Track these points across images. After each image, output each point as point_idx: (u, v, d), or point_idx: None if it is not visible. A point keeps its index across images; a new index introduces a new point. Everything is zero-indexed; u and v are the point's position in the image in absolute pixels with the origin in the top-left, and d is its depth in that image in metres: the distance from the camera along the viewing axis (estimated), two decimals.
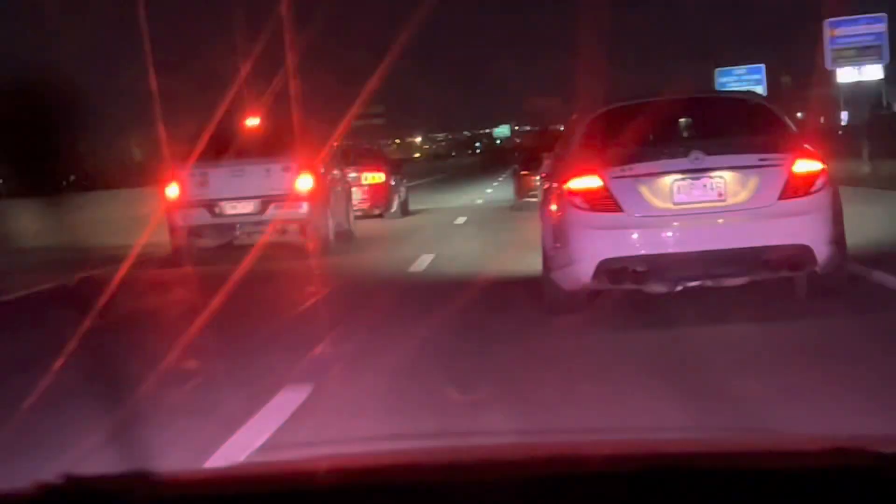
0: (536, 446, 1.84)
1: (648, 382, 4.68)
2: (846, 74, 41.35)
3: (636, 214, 6.31)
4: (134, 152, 51.31)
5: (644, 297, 6.46)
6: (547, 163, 7.89)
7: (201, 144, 12.43)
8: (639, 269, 6.27)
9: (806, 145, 6.67)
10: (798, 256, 6.21)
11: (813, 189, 6.32)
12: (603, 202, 6.33)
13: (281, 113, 13.49)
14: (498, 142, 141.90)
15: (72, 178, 52.53)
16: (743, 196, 6.29)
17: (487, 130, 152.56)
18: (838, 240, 6.43)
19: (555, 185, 6.88)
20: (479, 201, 24.03)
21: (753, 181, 6.30)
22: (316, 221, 12.00)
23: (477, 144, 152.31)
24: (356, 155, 19.00)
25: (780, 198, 6.27)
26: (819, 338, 5.63)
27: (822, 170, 6.42)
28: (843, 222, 6.51)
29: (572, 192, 6.42)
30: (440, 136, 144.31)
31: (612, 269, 6.28)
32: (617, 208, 6.31)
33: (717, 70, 57.61)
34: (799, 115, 37.00)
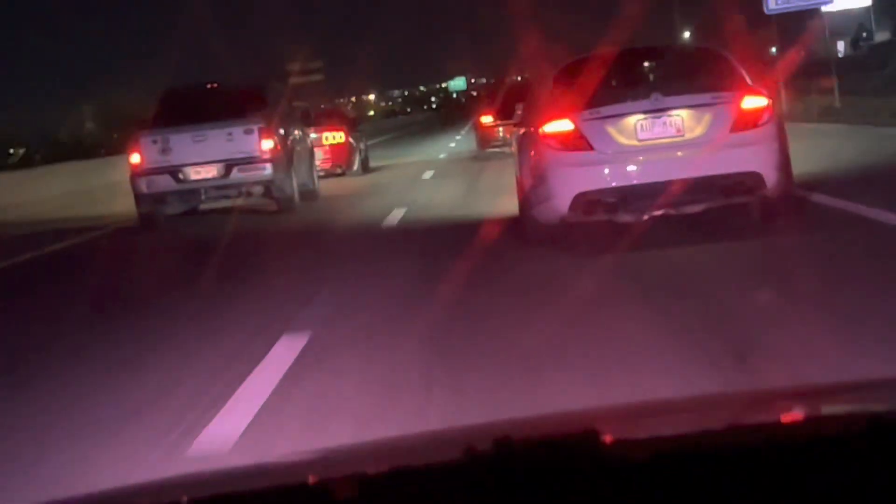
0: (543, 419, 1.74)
1: (624, 298, 5.45)
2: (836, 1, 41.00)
3: (606, 151, 7.01)
4: (86, 123, 50.61)
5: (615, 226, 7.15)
6: (519, 112, 8.51)
7: (161, 111, 12.67)
8: (610, 200, 7.02)
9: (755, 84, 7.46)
10: (749, 182, 6.96)
11: (760, 122, 7.05)
12: (575, 142, 7.06)
13: (239, 75, 13.70)
14: (454, 95, 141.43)
15: (20, 151, 52.13)
16: (699, 131, 7.02)
17: (444, 85, 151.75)
18: (785, 166, 7.15)
19: (530, 130, 7.63)
20: (443, 156, 23.00)
21: (707, 117, 7.03)
22: (280, 182, 12.22)
23: (433, 99, 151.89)
24: (317, 116, 19.72)
25: (732, 131, 6.99)
26: (765, 252, 6.52)
27: (768, 105, 7.18)
28: (789, 151, 7.22)
29: (547, 136, 7.16)
30: (396, 92, 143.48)
31: (586, 202, 7.02)
32: (588, 147, 7.03)
33: None
34: (773, 49, 36.92)
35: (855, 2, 35.92)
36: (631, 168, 7.05)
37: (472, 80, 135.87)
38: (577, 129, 7.06)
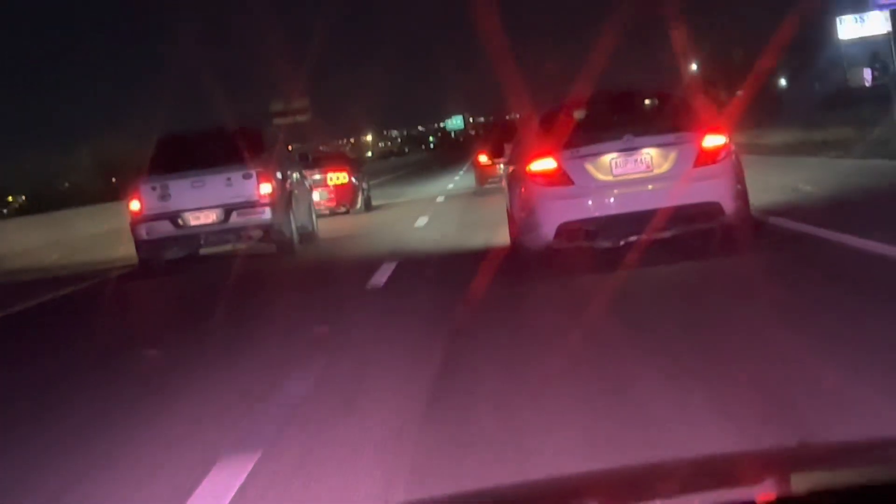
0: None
1: (600, 311, 6.28)
2: (849, 29, 40.22)
3: (585, 186, 8.06)
4: (73, 173, 50.49)
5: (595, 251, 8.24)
6: (508, 151, 9.44)
7: (159, 157, 12.84)
8: (590, 228, 8.09)
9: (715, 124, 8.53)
10: (710, 210, 8.01)
11: (719, 158, 8.13)
12: (558, 178, 8.10)
13: (237, 120, 13.91)
14: (452, 135, 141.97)
15: (21, 198, 52.37)
16: (666, 167, 8.08)
17: (442, 124, 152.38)
18: (741, 195, 8.23)
19: (518, 167, 8.67)
20: (441, 199, 21.89)
21: (673, 154, 8.10)
22: (279, 226, 12.37)
23: (431, 139, 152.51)
24: (322, 158, 21.49)
25: (695, 166, 8.05)
26: (726, 271, 7.51)
27: (726, 143, 8.23)
28: (745, 181, 8.32)
29: (533, 173, 8.22)
30: (395, 132, 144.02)
31: (568, 230, 8.09)
32: (569, 182, 8.08)
33: None
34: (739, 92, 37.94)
35: (874, 29, 34.68)
36: (607, 200, 8.07)
37: (471, 119, 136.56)
38: (559, 167, 8.10)
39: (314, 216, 14.74)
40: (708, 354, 4.83)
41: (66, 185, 50.85)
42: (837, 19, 53.44)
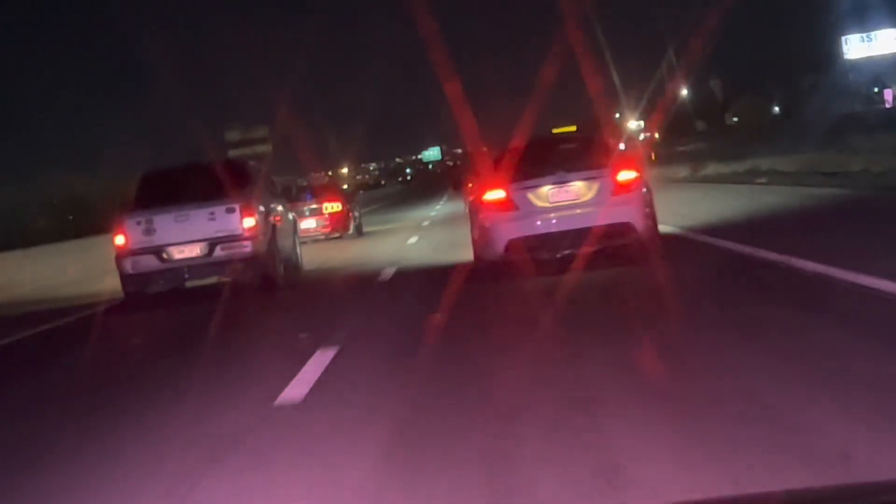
0: None
1: (542, 302, 8.51)
2: (855, 48, 39.87)
3: (528, 210, 10.46)
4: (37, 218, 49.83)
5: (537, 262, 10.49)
6: (469, 184, 12.20)
7: (143, 191, 13.09)
8: (532, 244, 10.46)
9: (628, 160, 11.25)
10: (625, 230, 10.37)
11: (632, 188, 10.49)
12: (507, 205, 10.52)
13: (218, 155, 14.16)
14: (430, 166, 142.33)
15: None
16: (590, 195, 10.47)
17: (419, 156, 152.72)
18: (650, 218, 10.62)
19: (477, 197, 11.10)
20: (413, 240, 20.03)
21: (596, 185, 10.48)
22: (263, 259, 12.61)
23: (408, 170, 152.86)
24: (318, 188, 25.24)
25: (612, 195, 10.41)
26: (636, 278, 9.54)
27: (638, 176, 10.62)
28: (654, 206, 10.74)
29: (488, 202, 10.65)
30: (372, 165, 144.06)
31: (515, 245, 10.45)
32: (515, 208, 10.50)
33: None
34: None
35: (885, 47, 33.73)
36: (545, 221, 10.44)
37: (452, 150, 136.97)
38: (507, 196, 10.52)
39: (298, 248, 15.01)
40: (613, 326, 6.94)
41: (40, 222, 50.59)
42: (843, 38, 53.13)
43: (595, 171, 10.55)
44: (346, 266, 15.67)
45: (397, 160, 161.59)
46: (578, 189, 10.46)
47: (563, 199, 10.48)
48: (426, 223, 26.65)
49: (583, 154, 11.08)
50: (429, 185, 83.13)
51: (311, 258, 16.84)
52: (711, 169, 31.18)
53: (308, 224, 23.11)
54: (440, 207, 37.00)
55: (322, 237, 23.33)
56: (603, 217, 10.31)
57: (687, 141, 56.14)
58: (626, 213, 10.36)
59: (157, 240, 12.50)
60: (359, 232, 24.98)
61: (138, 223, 12.54)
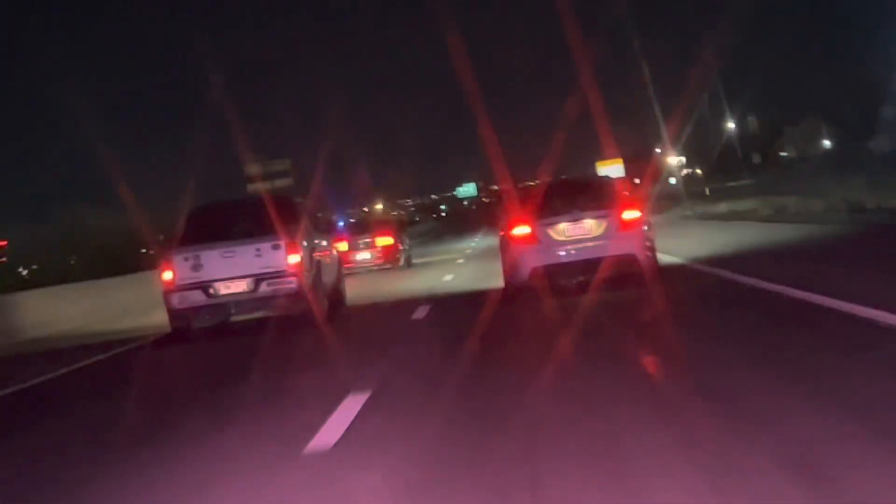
0: None
1: (562, 318, 10.19)
2: None
3: (548, 243, 12.61)
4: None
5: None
6: (500, 220, 14.22)
7: (190, 228, 13.42)
8: (552, 271, 12.64)
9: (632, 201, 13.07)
10: (629, 260, 12.41)
11: (635, 225, 12.58)
12: (531, 238, 12.65)
13: (264, 192, 14.45)
14: (465, 202, 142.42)
15: (33, 267, 52.85)
16: (600, 231, 12.58)
17: (454, 193, 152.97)
18: (651, 250, 12.76)
19: (507, 232, 13.16)
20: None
21: (605, 223, 12.60)
22: (308, 294, 12.86)
23: (442, 207, 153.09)
24: (372, 223, 28.68)
25: (618, 230, 12.50)
26: (638, 299, 11.20)
27: (640, 216, 12.70)
28: (654, 240, 13.00)
29: (515, 236, 12.78)
30: (408, 201, 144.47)
31: (538, 272, 12.56)
32: (538, 241, 12.63)
33: None
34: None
35: None
36: (563, 252, 12.57)
37: (489, 187, 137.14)
38: (532, 231, 12.66)
39: (343, 283, 15.26)
40: (616, 332, 8.89)
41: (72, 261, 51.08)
42: None
43: (604, 210, 12.70)
44: (390, 296, 16.75)
45: (433, 196, 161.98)
46: (590, 226, 12.67)
47: (578, 234, 12.65)
48: (469, 250, 30.89)
49: (594, 196, 13.19)
50: (463, 223, 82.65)
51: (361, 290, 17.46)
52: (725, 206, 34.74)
53: (363, 256, 26.31)
54: (476, 243, 39.62)
55: (375, 268, 26.14)
56: (610, 249, 12.46)
57: (736, 177, 55.28)
58: (630, 246, 12.47)
59: (203, 275, 12.79)
60: (408, 264, 27.21)
61: (186, 259, 12.84)
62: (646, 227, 12.84)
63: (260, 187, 37.45)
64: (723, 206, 34.92)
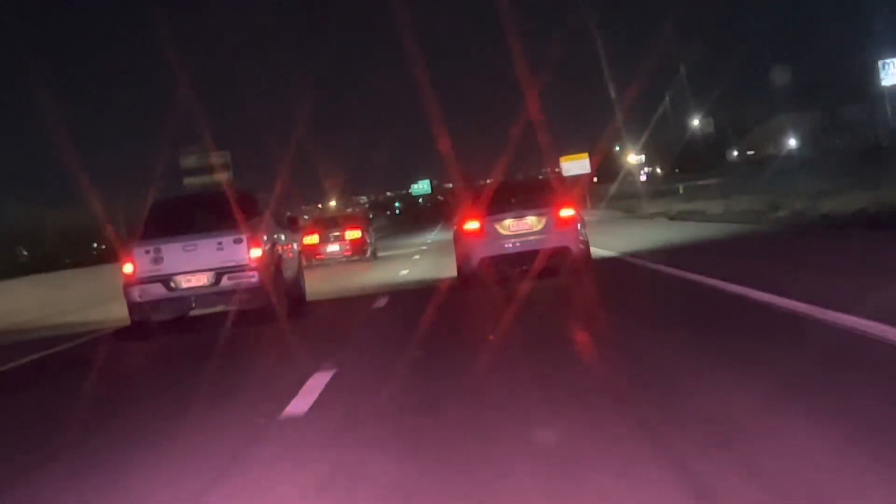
0: None
1: (506, 301, 11.55)
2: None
3: (494, 236, 14.48)
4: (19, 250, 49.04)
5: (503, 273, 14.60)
6: (453, 217, 16.47)
7: (152, 221, 13.42)
8: (498, 262, 14.46)
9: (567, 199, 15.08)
10: (564, 252, 14.32)
11: (570, 222, 14.49)
12: (480, 232, 14.53)
13: (226, 185, 14.46)
14: (419, 200, 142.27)
15: None
16: (539, 227, 14.50)
17: (409, 190, 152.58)
18: (583, 244, 14.59)
19: (459, 226, 15.07)
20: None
21: (544, 219, 14.51)
22: (268, 289, 12.92)
23: (397, 205, 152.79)
24: (342, 219, 31.40)
25: (555, 227, 14.42)
26: (571, 284, 13.44)
27: (574, 214, 14.58)
28: (587, 235, 14.87)
29: (467, 230, 14.68)
30: (363, 198, 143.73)
31: (485, 262, 14.43)
32: (486, 235, 14.50)
33: None
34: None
35: None
36: (508, 245, 14.48)
37: (444, 186, 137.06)
38: (481, 226, 14.56)
39: (303, 279, 15.33)
40: (550, 313, 10.57)
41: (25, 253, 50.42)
42: (880, 63, 51.73)
43: (543, 209, 14.62)
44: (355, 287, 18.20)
45: (388, 193, 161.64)
46: (532, 222, 14.62)
47: (521, 229, 14.58)
48: (425, 247, 33.99)
49: (535, 196, 15.21)
50: (417, 220, 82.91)
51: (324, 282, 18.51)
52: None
53: (333, 248, 29.63)
54: (433, 236, 43.41)
55: (344, 259, 29.43)
56: (548, 243, 14.38)
57: (698, 175, 55.14)
58: (565, 240, 14.43)
59: (164, 268, 12.80)
60: (374, 256, 30.51)
61: (147, 252, 12.85)
62: (579, 224, 14.68)
63: (196, 181, 35.54)
64: (676, 206, 36.48)
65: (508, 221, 14.51)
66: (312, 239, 29.70)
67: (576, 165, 74.40)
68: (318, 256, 29.46)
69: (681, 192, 45.93)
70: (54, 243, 42.35)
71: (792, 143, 67.00)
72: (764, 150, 68.73)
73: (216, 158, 38.27)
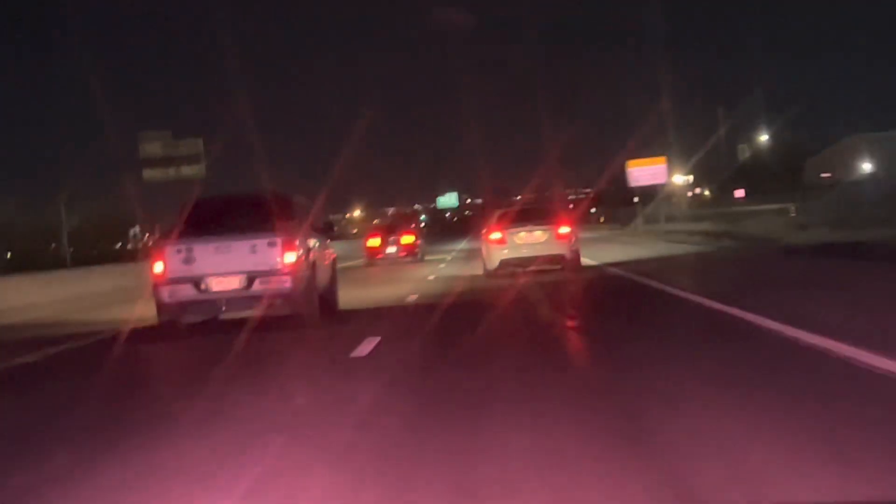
0: None
1: (515, 289, 17.24)
2: None
3: (511, 244, 20.63)
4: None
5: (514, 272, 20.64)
6: (482, 229, 22.83)
7: (187, 220, 13.17)
8: (513, 263, 20.56)
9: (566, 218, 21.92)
10: (559, 258, 20.55)
11: (566, 236, 20.66)
12: (501, 241, 20.73)
13: (264, 187, 14.21)
14: (446, 214, 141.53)
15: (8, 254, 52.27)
16: (544, 238, 20.56)
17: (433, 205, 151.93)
18: (575, 252, 20.77)
19: (485, 236, 21.55)
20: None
21: (548, 234, 20.62)
22: (301, 295, 12.64)
23: (422, 218, 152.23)
24: (400, 225, 40.99)
25: (555, 238, 20.54)
26: (567, 280, 18.64)
27: (571, 230, 20.79)
28: (579, 247, 21.34)
29: (491, 239, 20.99)
30: (391, 209, 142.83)
31: (505, 263, 20.65)
32: (505, 243, 20.69)
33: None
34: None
35: None
36: (520, 251, 20.46)
37: (468, 200, 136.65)
38: (503, 236, 20.69)
39: (336, 286, 15.03)
40: (544, 296, 15.39)
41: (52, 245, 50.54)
42: None
43: (547, 226, 20.79)
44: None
45: (416, 206, 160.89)
46: (538, 235, 20.73)
47: (531, 240, 20.74)
48: (455, 253, 42.61)
49: (542, 215, 21.53)
50: (442, 237, 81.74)
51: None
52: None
53: (391, 250, 36.82)
54: (463, 245, 52.94)
55: (399, 259, 36.20)
56: (549, 250, 20.52)
57: (764, 198, 49.62)
58: (561, 249, 20.65)
59: (195, 269, 12.57)
60: (423, 258, 37.07)
61: (178, 251, 12.61)
62: (573, 238, 20.94)
63: (158, 175, 31.80)
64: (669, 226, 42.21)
65: (522, 234, 20.77)
66: (375, 241, 37.65)
67: (647, 172, 63.37)
68: (378, 256, 36.67)
69: (792, 213, 40.42)
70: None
71: (867, 166, 60.35)
72: (838, 173, 60.32)
73: (185, 148, 32.69)
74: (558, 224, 20.64)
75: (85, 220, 49.67)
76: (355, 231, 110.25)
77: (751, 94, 59.00)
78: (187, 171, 31.48)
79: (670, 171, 63.84)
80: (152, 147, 31.02)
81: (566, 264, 20.42)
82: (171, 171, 30.82)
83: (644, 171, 63.69)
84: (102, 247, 50.24)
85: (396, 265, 33.60)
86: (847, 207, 27.66)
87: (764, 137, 66.49)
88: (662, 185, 64.31)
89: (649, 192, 63.41)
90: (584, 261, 21.81)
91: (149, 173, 31.38)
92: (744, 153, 72.41)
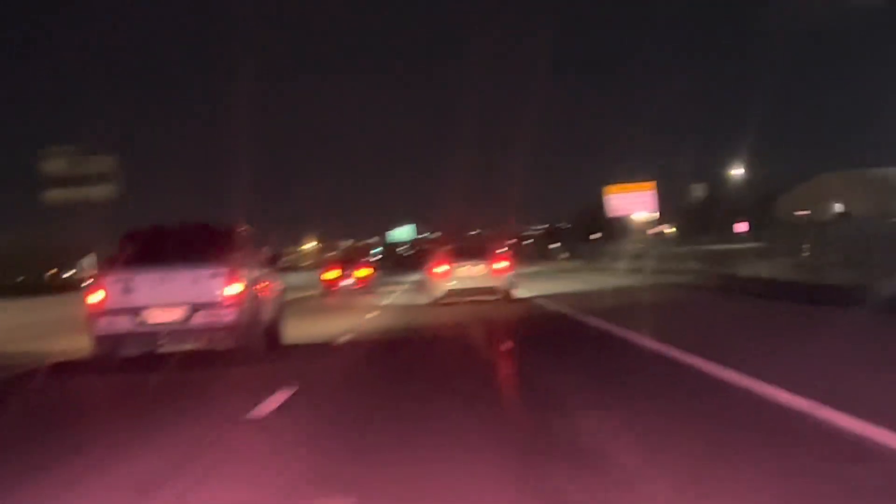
0: None
1: (457, 315, 19.78)
2: None
3: (453, 277, 24.20)
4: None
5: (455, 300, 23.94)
6: (426, 263, 26.33)
7: (125, 251, 12.72)
8: (454, 293, 23.99)
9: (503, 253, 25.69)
10: (494, 290, 23.96)
11: (501, 271, 24.31)
12: (444, 274, 24.38)
13: (207, 217, 13.81)
14: (397, 249, 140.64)
15: None
16: (481, 273, 24.25)
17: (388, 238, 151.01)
18: (510, 285, 24.32)
19: (428, 269, 25.48)
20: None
21: (485, 268, 24.26)
22: (245, 328, 12.22)
23: (376, 251, 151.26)
24: (355, 258, 47.12)
25: (491, 273, 24.28)
26: (497, 309, 20.87)
27: (508, 265, 24.53)
28: (514, 281, 24.72)
29: (434, 273, 24.75)
30: (349, 242, 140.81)
31: (449, 293, 24.00)
32: (447, 277, 24.28)
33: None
34: None
35: None
36: (461, 282, 24.07)
37: (426, 235, 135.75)
38: (447, 270, 24.29)
39: (282, 319, 14.58)
40: (478, 321, 17.54)
41: None
42: None
43: (485, 261, 24.15)
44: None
45: (374, 238, 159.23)
46: (478, 269, 24.01)
47: (471, 273, 23.95)
48: (407, 285, 41.41)
49: (482, 251, 24.90)
50: (394, 270, 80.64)
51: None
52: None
53: (347, 282, 41.70)
54: (414, 278, 50.41)
55: (355, 291, 39.38)
56: (486, 283, 23.83)
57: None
58: (496, 282, 23.99)
59: (134, 300, 12.12)
60: (376, 290, 39.10)
61: (117, 281, 12.16)
62: (509, 273, 24.26)
63: (59, 196, 27.59)
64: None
65: (464, 268, 24.13)
66: (332, 274, 42.38)
67: (629, 200, 55.75)
68: (334, 288, 41.07)
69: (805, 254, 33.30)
70: None
71: (838, 206, 56.23)
72: (814, 211, 56.17)
73: (94, 165, 28.00)
74: (494, 259, 24.35)
75: (13, 244, 48.08)
76: (309, 263, 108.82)
77: (717, 132, 58.44)
78: (97, 191, 27.16)
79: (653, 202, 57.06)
80: (56, 164, 27.58)
81: (500, 295, 23.73)
82: (79, 192, 26.96)
83: (625, 199, 56.99)
84: (33, 275, 48.58)
85: (351, 295, 36.44)
86: (854, 246, 21.83)
87: (739, 171, 64.37)
88: (651, 222, 60.02)
89: (617, 226, 59.88)
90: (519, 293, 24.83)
91: (51, 195, 28.11)
92: (696, 192, 72.68)
